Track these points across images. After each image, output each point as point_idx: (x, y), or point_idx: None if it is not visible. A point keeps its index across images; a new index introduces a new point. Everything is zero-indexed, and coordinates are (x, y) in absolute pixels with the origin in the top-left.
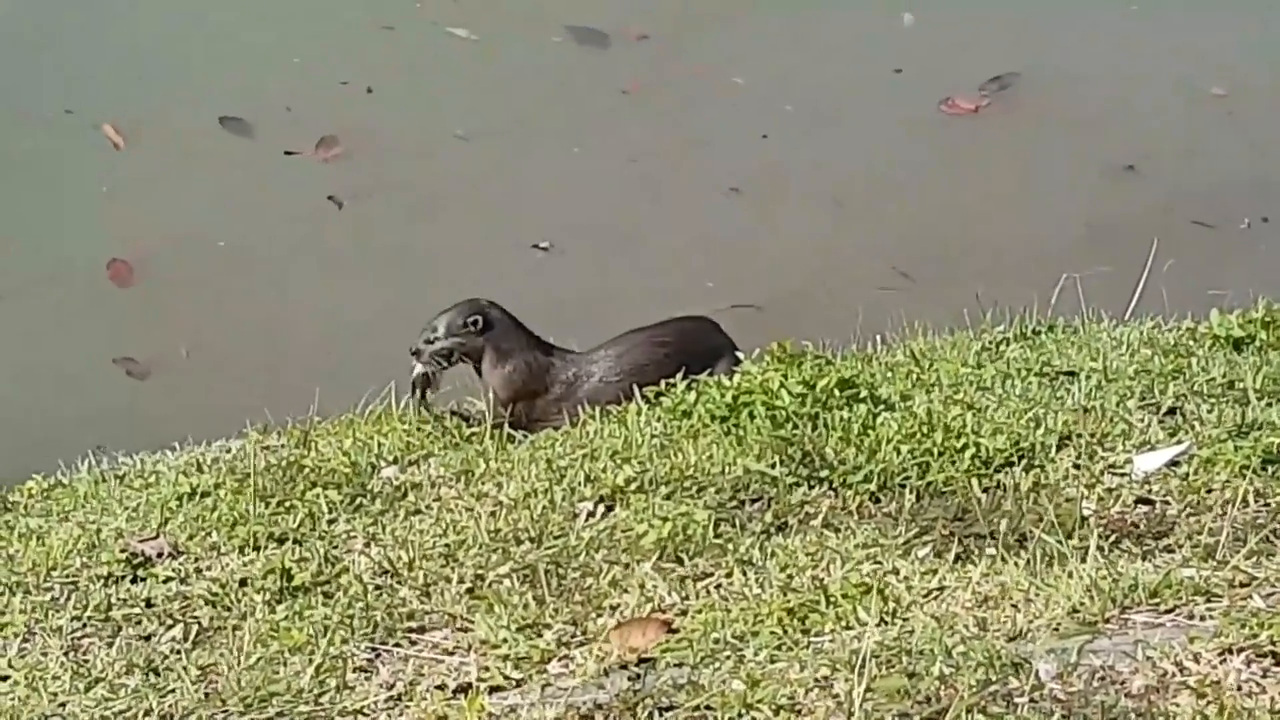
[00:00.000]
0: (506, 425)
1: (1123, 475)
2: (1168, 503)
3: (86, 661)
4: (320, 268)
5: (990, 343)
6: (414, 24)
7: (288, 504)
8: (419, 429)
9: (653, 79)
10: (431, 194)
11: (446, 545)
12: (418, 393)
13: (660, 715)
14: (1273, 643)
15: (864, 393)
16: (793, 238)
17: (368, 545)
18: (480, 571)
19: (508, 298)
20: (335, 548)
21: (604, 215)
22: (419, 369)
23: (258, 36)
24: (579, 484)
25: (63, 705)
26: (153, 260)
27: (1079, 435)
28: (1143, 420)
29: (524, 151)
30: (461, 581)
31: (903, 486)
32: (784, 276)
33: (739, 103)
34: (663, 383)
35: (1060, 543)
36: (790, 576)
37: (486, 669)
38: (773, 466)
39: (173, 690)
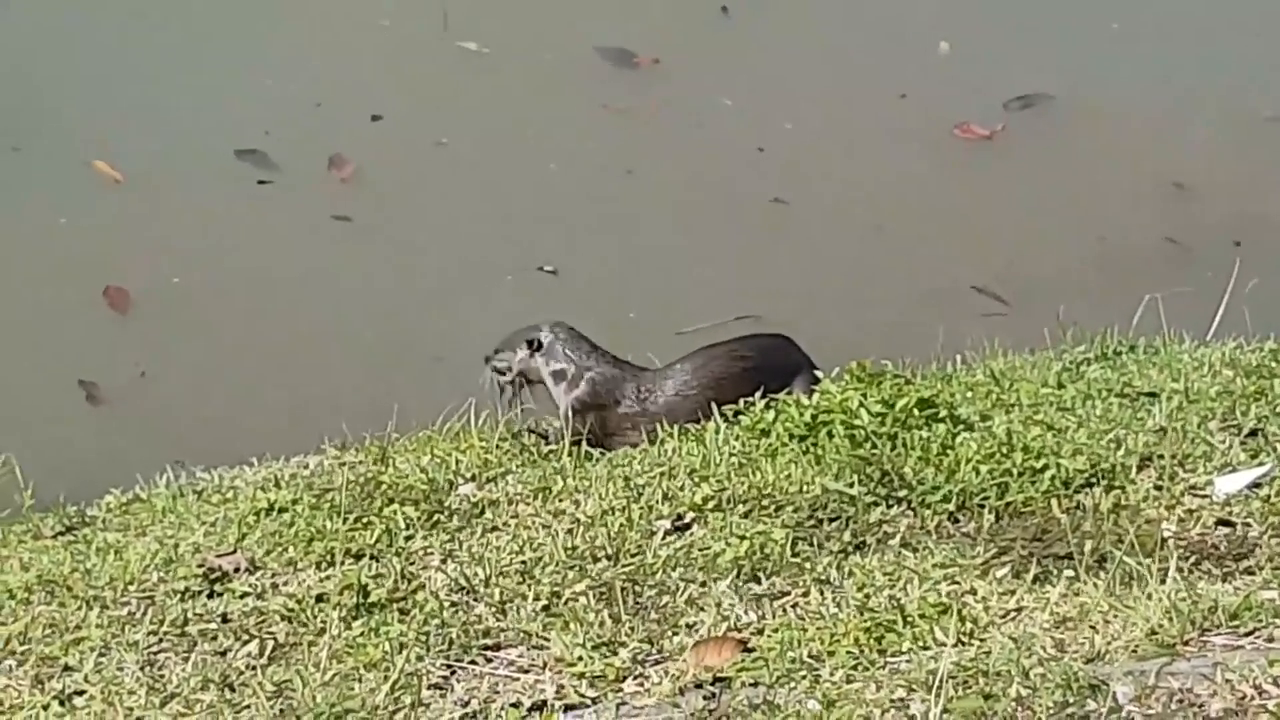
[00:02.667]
0: (584, 442)
1: (1204, 497)
2: (1249, 525)
3: (162, 677)
4: (325, 292)
5: (1071, 363)
6: (425, 38)
7: (365, 520)
8: (497, 446)
9: (664, 98)
10: (435, 214)
11: (523, 562)
12: (502, 398)
13: None
14: None
15: (943, 412)
16: (815, 257)
17: (444, 562)
18: (556, 589)
19: (511, 320)
20: (412, 564)
21: (610, 235)
22: (490, 377)
23: (250, 59)
24: (656, 502)
25: None
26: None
27: (1160, 457)
28: (1224, 442)
29: (526, 169)
30: (537, 599)
31: (981, 506)
32: (810, 295)
33: (749, 124)
34: (741, 401)
35: (1139, 564)
36: (867, 596)
37: (561, 687)
38: (851, 486)
39: (248, 706)
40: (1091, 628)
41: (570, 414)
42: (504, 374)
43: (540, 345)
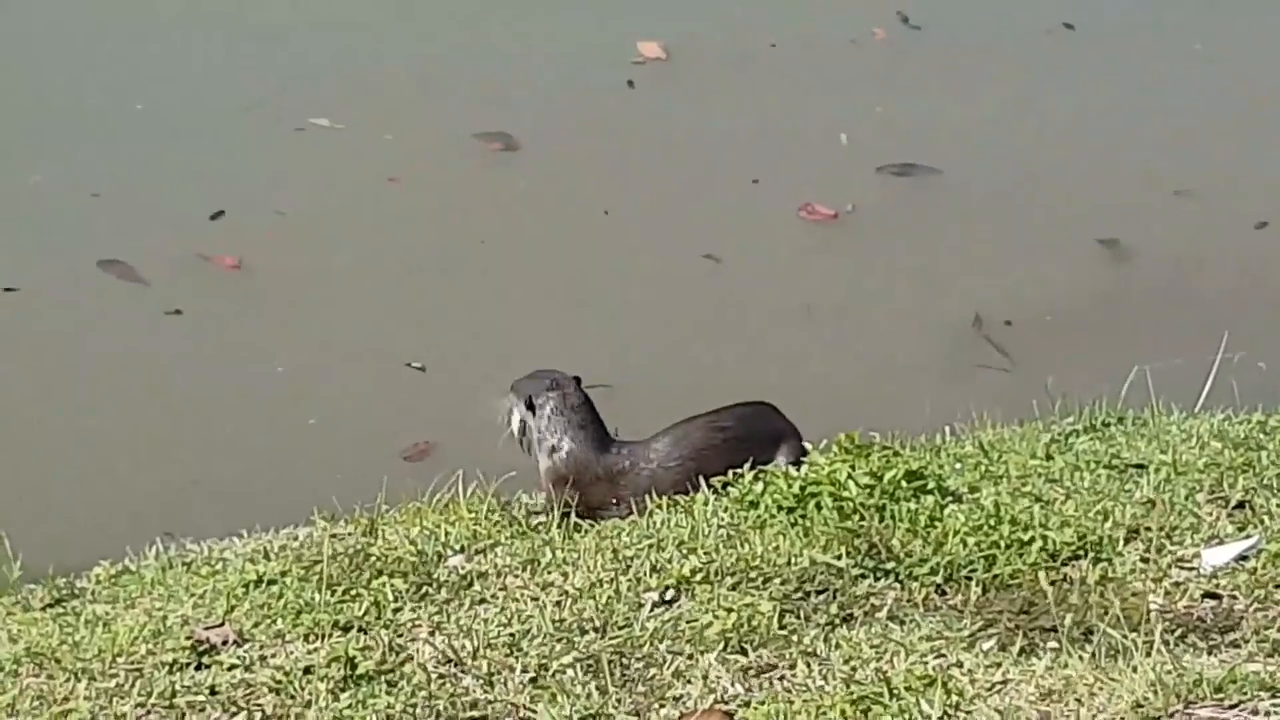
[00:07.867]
0: (572, 514)
1: (1190, 569)
2: (1235, 597)
3: None
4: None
5: (1060, 434)
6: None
7: (353, 592)
8: (486, 518)
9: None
10: (293, 302)
11: (511, 634)
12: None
13: None
14: None
15: (931, 484)
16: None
17: (432, 634)
18: (544, 661)
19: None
20: (400, 636)
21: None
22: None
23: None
24: (645, 574)
25: None
26: None
27: (1147, 529)
28: (1211, 514)
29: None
30: (525, 671)
31: (969, 579)
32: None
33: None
34: (730, 472)
35: (1125, 637)
36: (854, 669)
37: None
38: (839, 558)
39: None
40: (1077, 700)
41: (548, 483)
42: (508, 416)
43: (531, 408)
